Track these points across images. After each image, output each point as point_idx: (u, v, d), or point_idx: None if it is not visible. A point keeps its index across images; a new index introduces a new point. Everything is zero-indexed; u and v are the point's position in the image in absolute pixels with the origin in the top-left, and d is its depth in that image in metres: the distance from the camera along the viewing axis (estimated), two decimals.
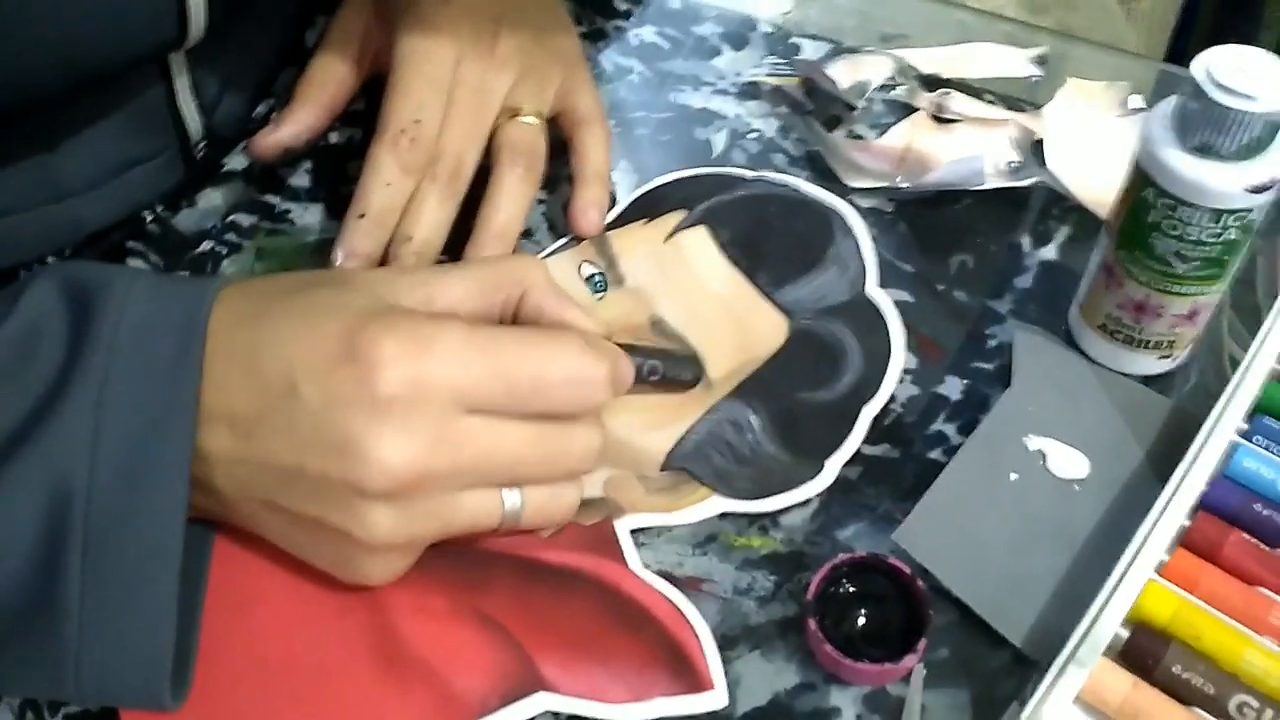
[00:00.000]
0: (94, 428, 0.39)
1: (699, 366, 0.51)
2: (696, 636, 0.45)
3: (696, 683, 0.44)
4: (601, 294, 0.53)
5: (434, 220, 0.54)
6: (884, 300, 0.55)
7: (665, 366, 0.49)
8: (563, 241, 0.58)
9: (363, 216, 0.53)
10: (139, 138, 0.57)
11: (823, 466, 0.50)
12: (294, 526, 0.42)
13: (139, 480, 0.39)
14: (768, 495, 0.49)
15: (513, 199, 0.55)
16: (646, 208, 0.58)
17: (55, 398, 0.39)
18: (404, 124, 0.54)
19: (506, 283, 0.46)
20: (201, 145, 0.60)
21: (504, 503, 0.43)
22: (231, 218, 0.59)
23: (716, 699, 0.44)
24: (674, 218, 0.57)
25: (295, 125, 0.58)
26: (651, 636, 0.45)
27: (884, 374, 0.52)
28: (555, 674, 0.44)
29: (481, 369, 0.41)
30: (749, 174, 0.60)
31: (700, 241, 0.56)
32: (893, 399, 0.52)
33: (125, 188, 0.57)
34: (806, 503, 0.49)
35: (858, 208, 0.58)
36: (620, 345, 0.46)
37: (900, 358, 0.53)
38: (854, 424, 0.51)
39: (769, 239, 0.57)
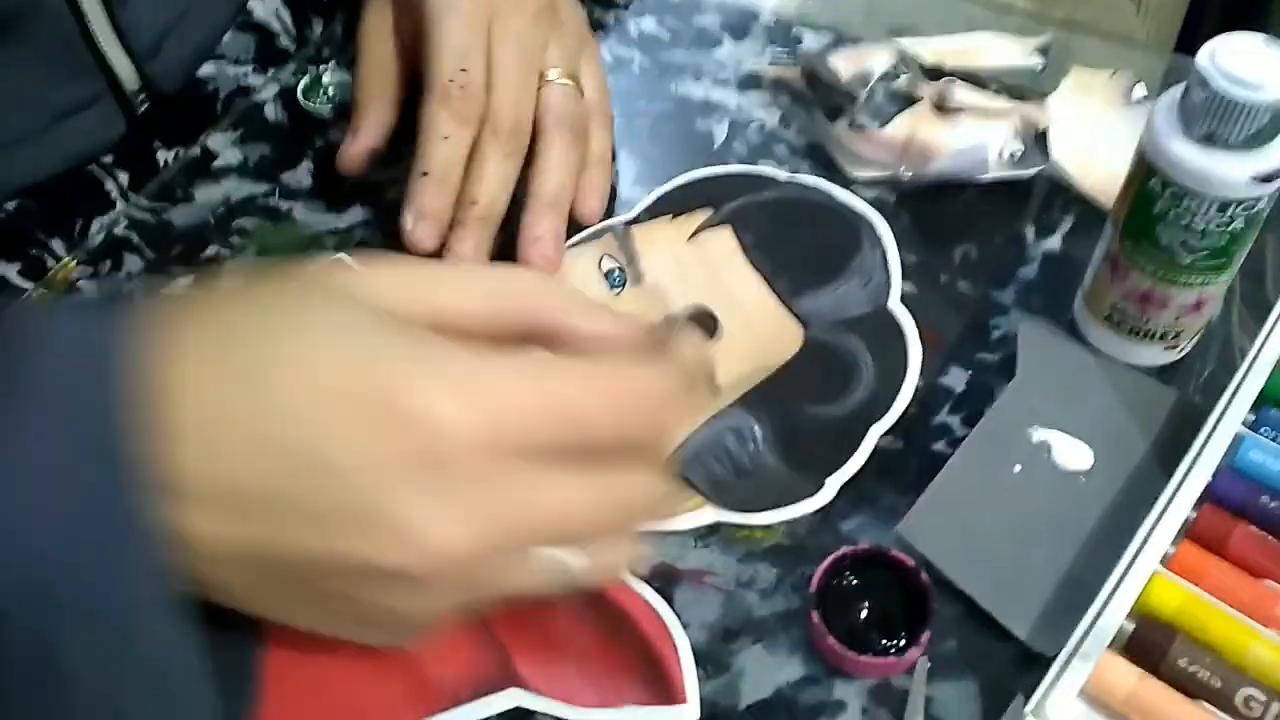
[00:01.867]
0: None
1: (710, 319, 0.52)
2: (675, 648, 0.44)
3: (669, 695, 0.43)
4: (619, 290, 0.53)
5: (497, 180, 0.53)
6: (905, 316, 0.53)
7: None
8: (586, 234, 0.57)
9: (426, 174, 0.52)
10: (62, 83, 0.56)
11: (823, 484, 0.49)
12: (321, 610, 0.36)
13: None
14: (763, 509, 0.48)
15: (562, 165, 0.54)
16: (673, 204, 0.58)
17: None
18: (451, 74, 0.52)
19: (518, 296, 0.39)
20: (141, 97, 0.60)
21: (557, 564, 0.37)
22: (236, 222, 0.58)
23: (688, 713, 0.43)
24: (699, 216, 0.56)
25: (371, 126, 0.57)
26: (629, 644, 0.45)
27: (896, 393, 0.51)
28: (529, 672, 0.44)
29: (542, 409, 0.35)
30: (781, 175, 0.59)
31: (723, 242, 0.55)
32: None
33: (58, 140, 0.57)
34: None
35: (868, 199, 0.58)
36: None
37: (915, 376, 0.52)
38: (859, 443, 0.50)
39: (794, 244, 0.55)
